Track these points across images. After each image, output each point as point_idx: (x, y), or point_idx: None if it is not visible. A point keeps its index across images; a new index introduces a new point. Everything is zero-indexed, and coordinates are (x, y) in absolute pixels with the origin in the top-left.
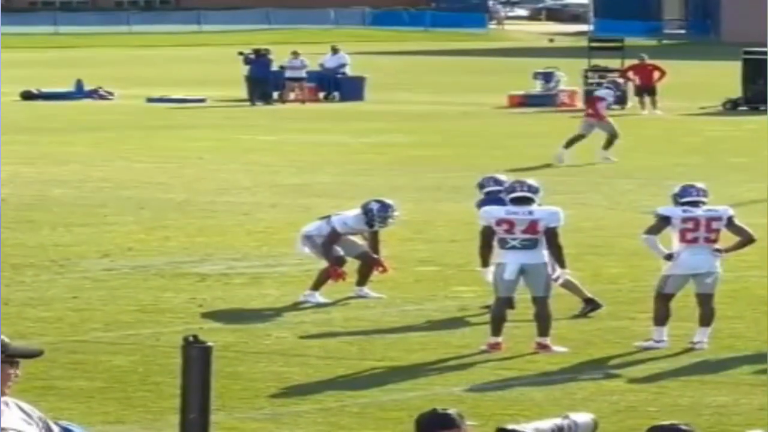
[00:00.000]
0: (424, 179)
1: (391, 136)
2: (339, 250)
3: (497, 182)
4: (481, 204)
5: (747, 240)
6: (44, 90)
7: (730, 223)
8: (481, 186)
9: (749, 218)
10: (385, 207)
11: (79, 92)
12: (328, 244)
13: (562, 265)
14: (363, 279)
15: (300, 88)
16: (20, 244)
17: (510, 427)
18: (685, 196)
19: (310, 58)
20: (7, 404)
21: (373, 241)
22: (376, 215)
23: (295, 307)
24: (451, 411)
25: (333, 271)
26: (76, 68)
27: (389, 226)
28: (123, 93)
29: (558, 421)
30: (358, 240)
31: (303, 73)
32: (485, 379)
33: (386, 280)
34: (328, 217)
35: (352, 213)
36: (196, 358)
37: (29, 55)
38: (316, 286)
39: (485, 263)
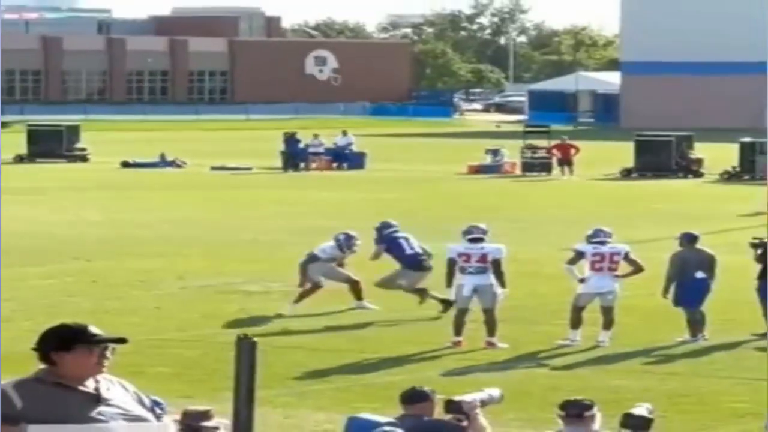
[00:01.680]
0: (407, 224)
1: (384, 194)
2: (321, 278)
3: (390, 225)
4: (380, 241)
5: (638, 269)
6: (137, 160)
7: (626, 257)
8: (379, 230)
9: (639, 252)
10: (349, 237)
11: (162, 162)
12: (306, 264)
13: (503, 286)
14: (357, 295)
15: (319, 161)
16: (117, 270)
17: (456, 398)
18: (595, 237)
19: (326, 139)
20: (111, 381)
21: (340, 264)
22: (343, 243)
23: (311, 314)
24: (426, 388)
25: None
26: (160, 145)
27: (355, 251)
28: (193, 162)
29: (481, 394)
30: (341, 269)
31: (321, 149)
32: (451, 367)
33: (379, 295)
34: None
35: (329, 243)
36: (246, 351)
37: (126, 135)
38: (298, 300)
39: (448, 284)
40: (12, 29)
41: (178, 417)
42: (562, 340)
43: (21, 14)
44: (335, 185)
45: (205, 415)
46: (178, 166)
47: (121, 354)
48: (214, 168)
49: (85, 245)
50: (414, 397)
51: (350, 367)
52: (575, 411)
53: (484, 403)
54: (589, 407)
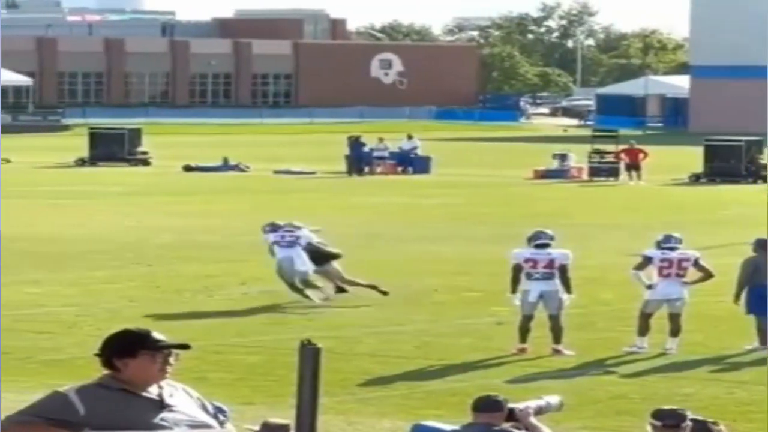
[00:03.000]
0: (472, 229)
1: (449, 198)
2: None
3: (295, 227)
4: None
5: (707, 276)
6: (200, 164)
7: (696, 263)
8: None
9: (708, 259)
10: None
11: (225, 166)
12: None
13: (569, 292)
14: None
15: (384, 165)
16: (179, 275)
17: (510, 405)
18: (665, 243)
19: (391, 143)
20: (175, 387)
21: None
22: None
23: (377, 321)
24: (500, 397)
25: None
26: (222, 148)
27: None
28: (256, 167)
29: (538, 401)
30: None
31: (386, 153)
32: (516, 374)
33: (442, 303)
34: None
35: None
36: (309, 357)
37: (188, 139)
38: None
39: (513, 291)
40: (75, 31)
41: (256, 428)
42: (629, 347)
43: (84, 16)
44: (400, 190)
45: (284, 428)
46: (242, 170)
47: (184, 359)
48: (277, 172)
49: (147, 250)
50: (487, 406)
51: (414, 374)
52: (673, 421)
53: (541, 411)
54: (685, 418)
